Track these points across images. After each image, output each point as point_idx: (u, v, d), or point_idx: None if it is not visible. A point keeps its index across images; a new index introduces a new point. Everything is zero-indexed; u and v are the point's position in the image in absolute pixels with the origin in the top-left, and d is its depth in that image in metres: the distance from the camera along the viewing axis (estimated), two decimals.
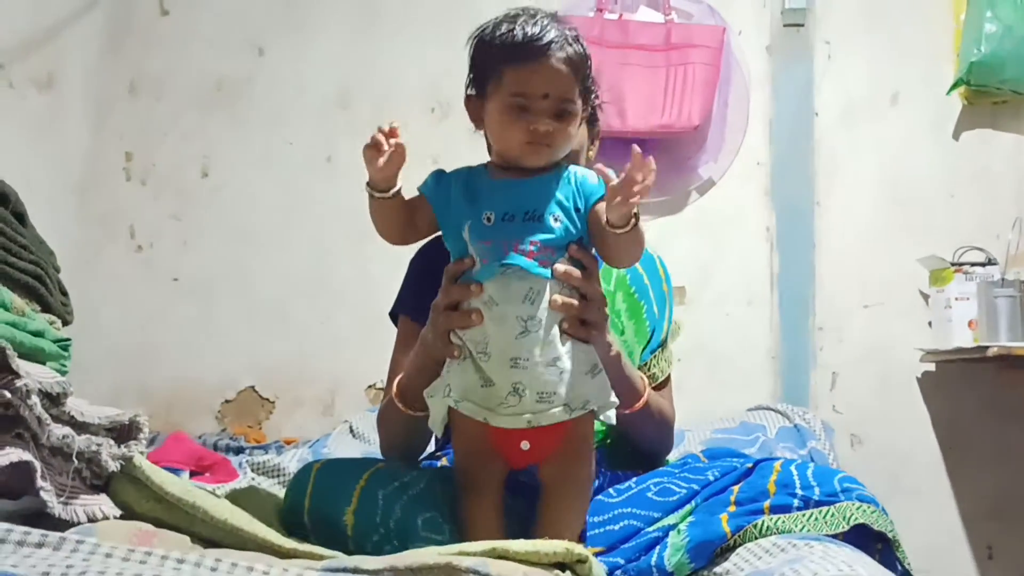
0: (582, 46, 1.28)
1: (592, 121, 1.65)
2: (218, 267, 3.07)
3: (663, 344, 1.69)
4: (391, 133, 1.25)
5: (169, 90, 3.15)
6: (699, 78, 2.82)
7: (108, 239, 3.10)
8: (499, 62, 1.27)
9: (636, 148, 1.20)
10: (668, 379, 1.69)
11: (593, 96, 1.34)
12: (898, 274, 2.82)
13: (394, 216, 1.32)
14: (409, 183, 1.32)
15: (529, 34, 1.25)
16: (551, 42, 1.24)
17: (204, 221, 3.10)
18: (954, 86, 2.82)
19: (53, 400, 1.06)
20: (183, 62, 3.16)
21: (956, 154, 2.87)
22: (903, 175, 2.88)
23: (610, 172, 1.23)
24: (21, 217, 1.51)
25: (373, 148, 1.24)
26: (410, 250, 1.63)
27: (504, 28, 1.27)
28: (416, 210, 1.33)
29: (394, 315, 1.69)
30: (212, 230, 3.09)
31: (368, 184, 1.29)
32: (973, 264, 2.68)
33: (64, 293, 1.59)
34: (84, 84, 3.06)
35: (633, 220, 1.23)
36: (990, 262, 2.68)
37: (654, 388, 1.59)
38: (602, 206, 1.25)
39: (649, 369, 1.64)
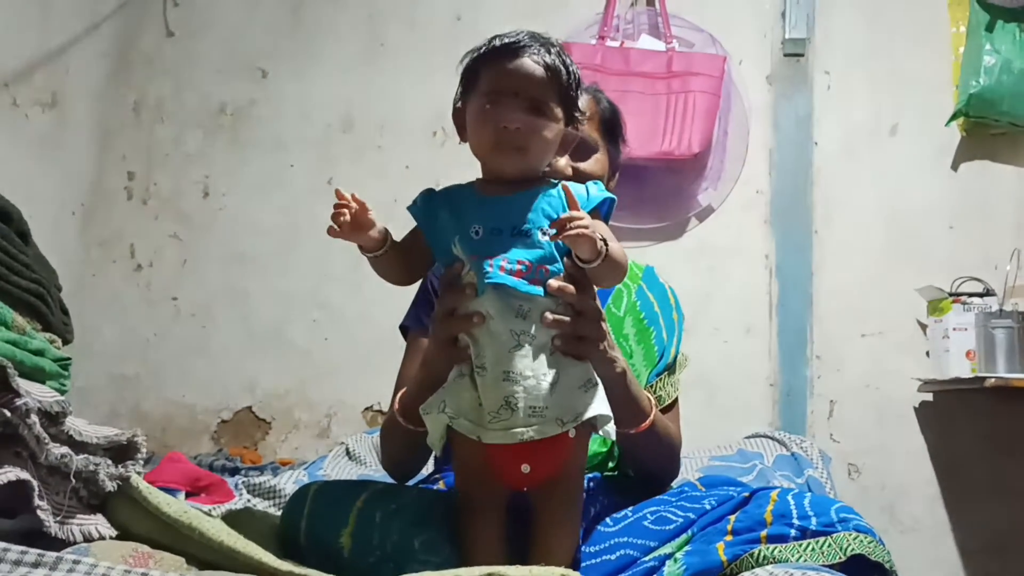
0: (563, 60, 1.29)
1: (615, 153, 1.66)
2: (217, 287, 3.08)
3: (670, 368, 1.69)
4: (350, 201, 1.25)
5: (173, 112, 3.18)
6: (700, 106, 2.84)
7: (108, 258, 3.12)
8: (477, 69, 1.31)
9: (566, 185, 1.25)
10: (675, 403, 1.69)
11: (577, 112, 1.33)
12: (896, 304, 2.83)
13: (394, 263, 1.32)
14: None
15: (506, 41, 1.29)
16: (524, 46, 1.28)
17: (204, 242, 3.11)
18: (953, 117, 2.84)
19: (52, 419, 1.06)
20: (187, 85, 3.18)
21: (955, 185, 2.89)
22: (902, 205, 2.89)
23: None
24: (24, 236, 1.51)
25: (348, 227, 1.25)
26: None
27: (487, 42, 1.31)
28: (412, 247, 1.33)
29: (404, 329, 1.69)
30: (212, 251, 3.10)
31: (361, 248, 1.29)
32: (971, 295, 2.69)
33: (65, 312, 1.59)
34: (88, 105, 3.08)
35: (603, 251, 1.22)
36: (988, 293, 2.69)
37: (660, 411, 1.58)
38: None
39: (655, 391, 1.63)
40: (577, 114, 1.33)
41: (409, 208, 1.34)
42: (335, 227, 1.25)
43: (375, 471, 2.32)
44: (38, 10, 2.80)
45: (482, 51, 1.31)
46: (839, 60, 2.99)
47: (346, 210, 1.25)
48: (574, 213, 1.20)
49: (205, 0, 3.22)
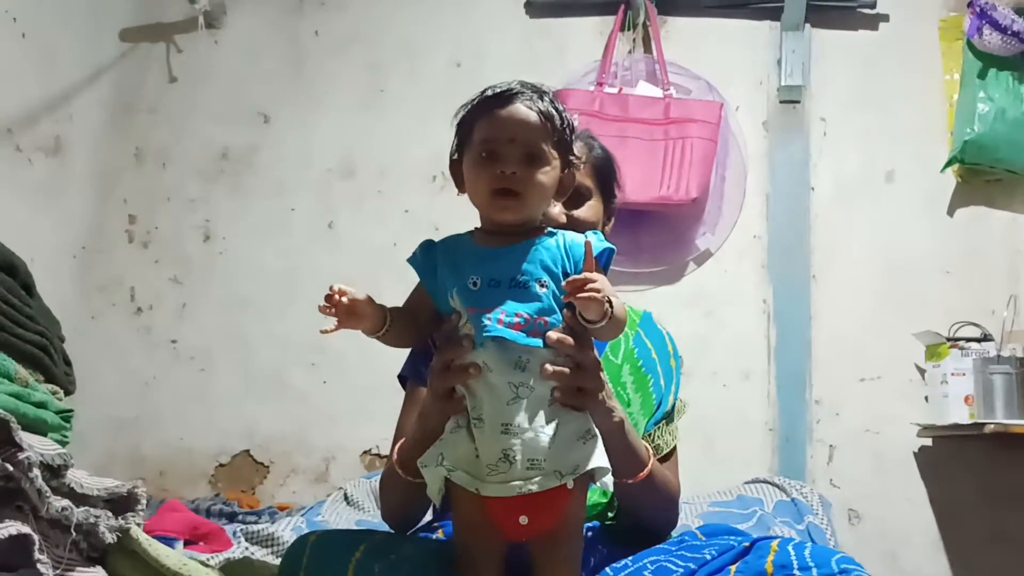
0: (556, 105, 1.31)
1: (608, 199, 1.67)
2: (217, 331, 3.08)
3: (668, 416, 1.68)
4: (340, 295, 1.26)
5: (175, 157, 3.20)
6: (697, 152, 2.86)
7: (108, 301, 3.12)
8: (472, 120, 1.32)
9: (588, 242, 1.26)
10: (673, 451, 1.68)
11: (572, 156, 1.34)
12: (894, 349, 2.83)
13: (402, 331, 1.34)
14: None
15: (498, 91, 1.31)
16: (516, 93, 1.30)
17: (204, 285, 3.12)
18: (948, 164, 2.86)
19: (54, 472, 1.06)
20: (189, 130, 3.21)
21: (951, 231, 2.91)
22: (899, 251, 2.91)
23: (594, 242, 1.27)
24: (28, 288, 1.52)
25: (346, 319, 1.27)
26: None
27: (479, 93, 1.33)
28: (418, 304, 1.34)
29: (403, 378, 1.69)
30: (212, 295, 3.11)
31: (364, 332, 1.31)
32: (969, 340, 2.69)
33: (68, 363, 1.60)
34: (91, 150, 3.11)
35: (608, 313, 1.23)
36: (986, 338, 2.70)
37: (658, 460, 1.58)
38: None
39: (653, 440, 1.62)
40: (572, 158, 1.35)
41: (409, 260, 1.34)
42: (327, 328, 1.26)
43: (373, 517, 2.31)
44: (42, 56, 2.83)
45: (475, 102, 1.32)
46: (835, 107, 3.02)
47: (334, 307, 1.25)
48: (589, 275, 1.21)
49: (208, 47, 3.25)
